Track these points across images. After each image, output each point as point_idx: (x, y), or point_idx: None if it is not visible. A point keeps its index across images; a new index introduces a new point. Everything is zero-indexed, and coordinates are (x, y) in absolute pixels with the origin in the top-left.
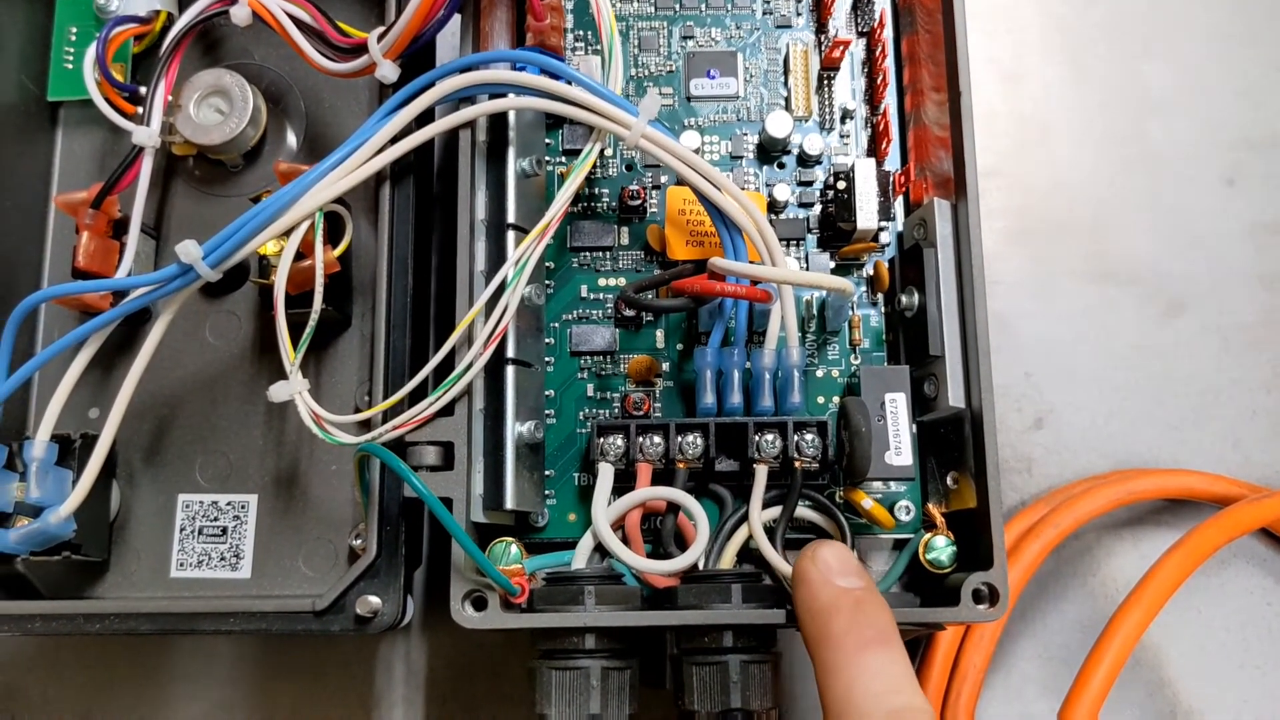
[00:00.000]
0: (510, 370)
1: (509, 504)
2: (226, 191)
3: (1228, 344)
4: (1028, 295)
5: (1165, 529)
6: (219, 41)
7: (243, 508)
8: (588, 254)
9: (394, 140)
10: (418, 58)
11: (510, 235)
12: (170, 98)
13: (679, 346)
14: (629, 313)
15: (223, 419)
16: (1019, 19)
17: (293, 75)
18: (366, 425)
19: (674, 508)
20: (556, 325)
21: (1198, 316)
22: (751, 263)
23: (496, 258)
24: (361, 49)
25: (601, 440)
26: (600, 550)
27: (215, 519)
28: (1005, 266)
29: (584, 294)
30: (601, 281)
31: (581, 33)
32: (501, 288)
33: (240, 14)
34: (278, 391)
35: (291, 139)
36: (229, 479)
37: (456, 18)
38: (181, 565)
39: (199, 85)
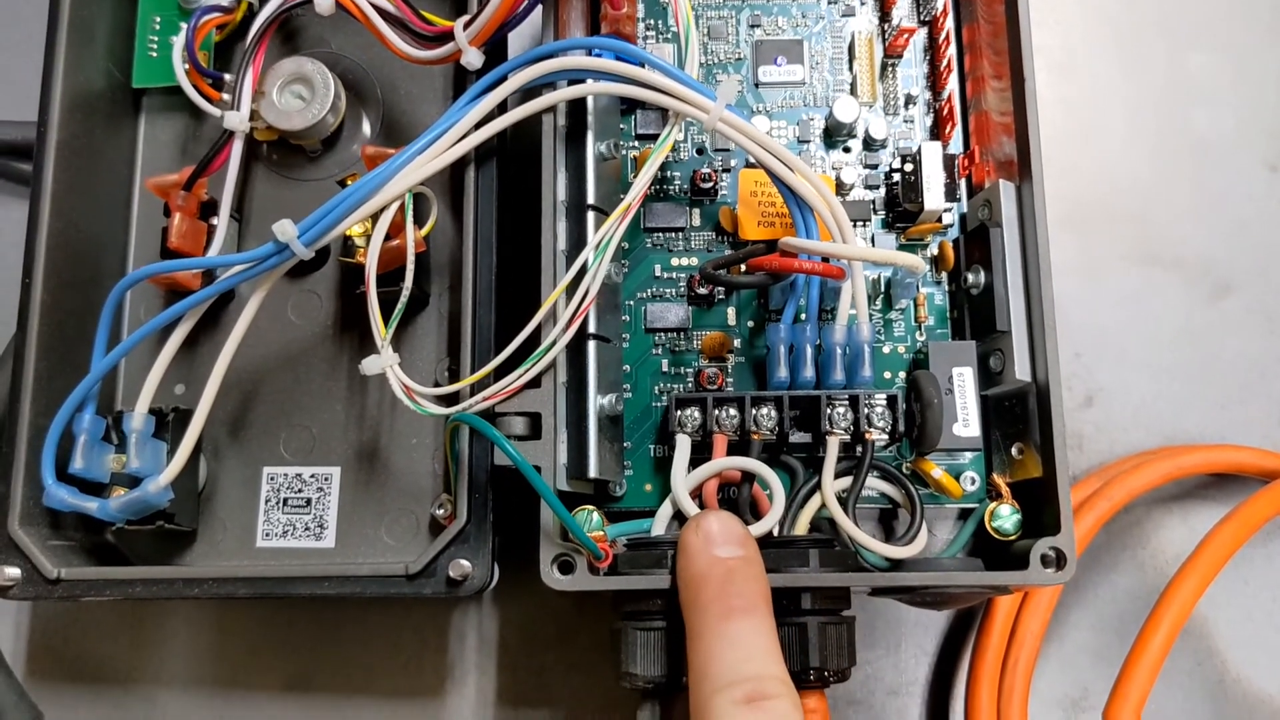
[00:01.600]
0: (591, 345)
1: (592, 473)
2: (304, 176)
3: (1272, 324)
4: (1077, 278)
5: (1212, 503)
6: (297, 30)
7: (326, 480)
8: (661, 235)
9: (478, 126)
10: (492, 47)
11: (590, 216)
12: (255, 84)
13: (750, 323)
14: (702, 290)
15: (306, 394)
16: (1067, 11)
17: (369, 63)
18: (447, 399)
19: (749, 477)
20: (632, 303)
21: (1242, 298)
22: (823, 242)
23: (577, 237)
24: (446, 37)
25: (679, 413)
26: (679, 517)
27: (299, 490)
28: (1054, 251)
29: (658, 273)
30: (675, 261)
31: (652, 21)
32: (584, 267)
33: (324, 4)
34: (370, 365)
35: (367, 125)
36: (312, 452)
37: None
38: (267, 535)
39: (282, 73)
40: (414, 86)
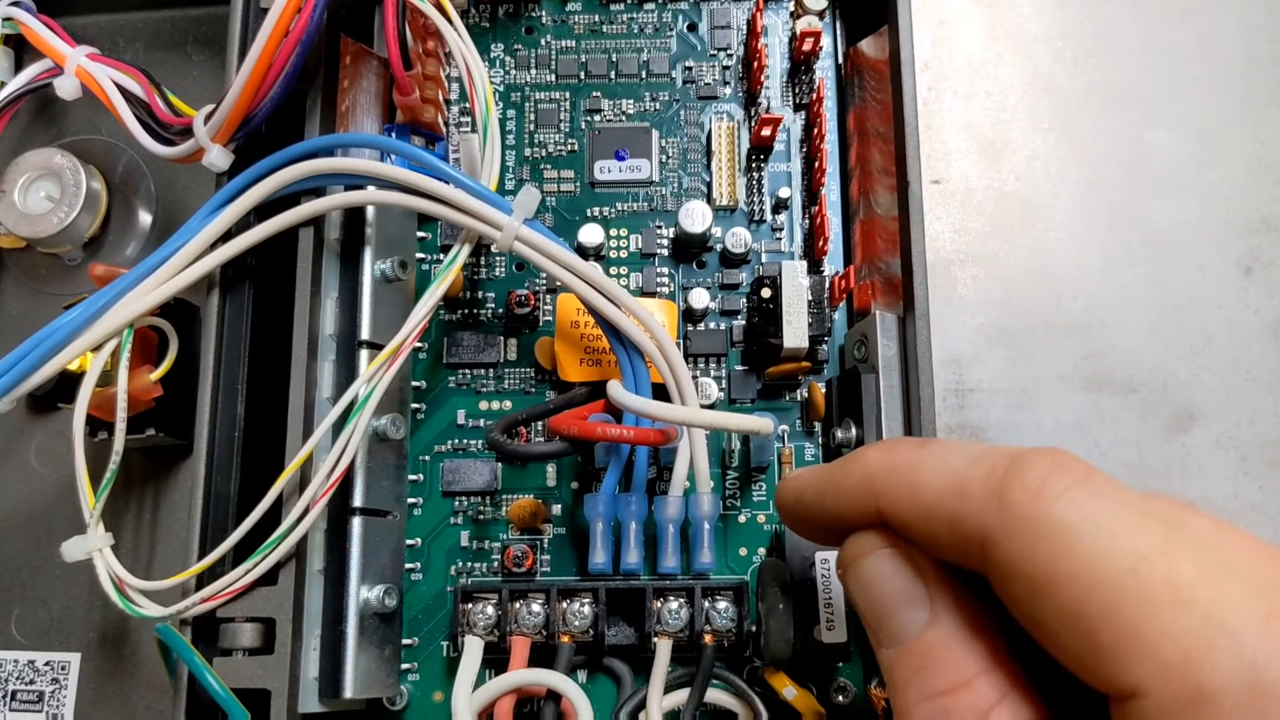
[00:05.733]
0: (357, 522)
1: (348, 692)
2: (63, 289)
3: (1246, 463)
4: (1009, 406)
5: None
6: (61, 113)
7: (63, 669)
8: (467, 372)
9: (224, 240)
10: (266, 140)
11: (364, 354)
12: None
13: (574, 485)
14: None
15: (46, 561)
16: (1001, 79)
17: (142, 152)
18: (173, 594)
19: (555, 694)
20: (427, 459)
21: (1210, 430)
22: (654, 384)
23: (346, 381)
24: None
25: (468, 607)
26: None
27: (31, 682)
28: (982, 372)
29: (461, 420)
30: (483, 405)
31: (466, 106)
32: (344, 420)
33: (67, 86)
34: (72, 549)
35: (145, 222)
36: (49, 634)
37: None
38: None
39: (26, 167)
40: (192, 180)
